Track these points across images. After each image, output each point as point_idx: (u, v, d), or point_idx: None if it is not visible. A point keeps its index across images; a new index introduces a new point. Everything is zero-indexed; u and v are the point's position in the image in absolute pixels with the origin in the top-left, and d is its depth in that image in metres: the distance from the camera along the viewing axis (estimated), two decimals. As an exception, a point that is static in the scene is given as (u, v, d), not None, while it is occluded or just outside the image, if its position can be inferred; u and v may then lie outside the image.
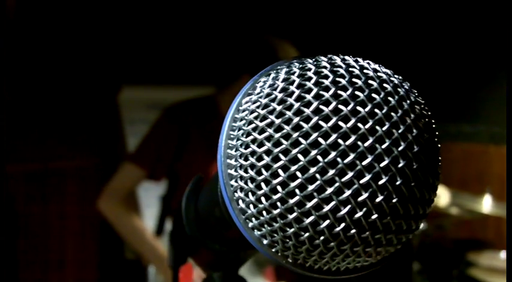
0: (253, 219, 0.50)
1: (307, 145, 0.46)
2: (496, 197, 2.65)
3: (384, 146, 0.46)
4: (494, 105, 3.41)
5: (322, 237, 0.47)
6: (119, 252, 3.06)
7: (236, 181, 0.50)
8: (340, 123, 0.46)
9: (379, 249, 0.49)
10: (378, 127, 0.46)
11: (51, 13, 2.97)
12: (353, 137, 0.46)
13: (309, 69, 0.50)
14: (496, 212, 2.61)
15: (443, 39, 3.71)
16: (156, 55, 3.20)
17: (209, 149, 2.13)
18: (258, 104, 0.50)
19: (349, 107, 0.46)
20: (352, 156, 0.46)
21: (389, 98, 0.48)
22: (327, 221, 0.46)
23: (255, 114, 0.50)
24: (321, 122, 0.46)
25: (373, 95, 0.48)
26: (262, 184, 0.48)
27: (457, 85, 3.75)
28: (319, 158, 0.46)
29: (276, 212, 0.48)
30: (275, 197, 0.47)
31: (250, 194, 0.49)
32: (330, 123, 0.46)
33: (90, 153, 3.14)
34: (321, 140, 0.46)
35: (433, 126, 0.51)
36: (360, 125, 0.46)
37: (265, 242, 0.51)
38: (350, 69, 0.50)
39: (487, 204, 2.63)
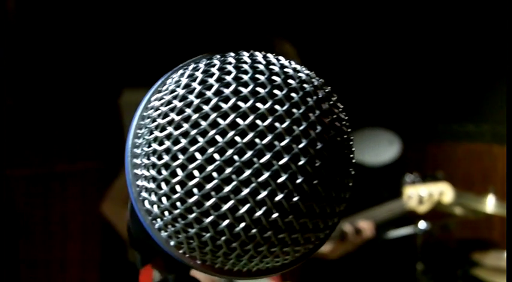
0: (158, 219, 0.49)
1: (204, 144, 0.46)
2: (500, 197, 2.63)
3: (283, 143, 0.45)
4: (498, 105, 3.39)
5: (223, 238, 0.47)
6: (121, 255, 3.05)
7: (141, 181, 0.50)
8: (239, 120, 0.46)
9: (286, 249, 0.49)
10: (277, 124, 0.46)
11: (52, 16, 2.98)
12: (251, 135, 0.45)
13: (214, 65, 0.50)
14: (500, 212, 2.59)
15: (449, 39, 3.70)
16: (157, 58, 3.19)
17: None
18: (162, 101, 0.50)
19: (248, 104, 0.46)
20: (249, 154, 0.45)
21: (293, 94, 0.47)
22: (227, 221, 0.46)
23: (158, 111, 0.49)
24: (219, 119, 0.46)
25: (275, 91, 0.47)
26: (163, 183, 0.47)
27: (461, 85, 3.74)
28: (216, 156, 0.45)
29: (176, 212, 0.47)
30: (174, 196, 0.47)
31: (153, 193, 0.48)
32: (228, 121, 0.46)
33: (92, 157, 3.14)
34: (218, 137, 0.45)
35: (344, 123, 0.51)
36: (259, 121, 0.45)
37: (172, 243, 0.50)
38: (255, 65, 0.49)
39: (490, 204, 2.61)
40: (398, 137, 3.59)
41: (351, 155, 0.51)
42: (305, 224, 0.47)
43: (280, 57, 0.52)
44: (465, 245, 3.22)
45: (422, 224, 2.62)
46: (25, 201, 2.91)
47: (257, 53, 0.52)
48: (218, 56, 0.51)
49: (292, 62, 0.52)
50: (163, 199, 0.48)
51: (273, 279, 2.23)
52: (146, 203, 0.50)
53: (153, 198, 0.48)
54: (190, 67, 0.52)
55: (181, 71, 0.52)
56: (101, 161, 3.15)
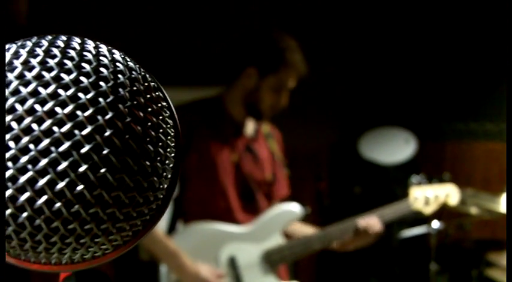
0: None
1: None
2: (517, 196, 2.59)
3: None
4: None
5: (10, 228, 0.45)
6: (133, 253, 3.07)
7: None
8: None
9: (83, 240, 0.47)
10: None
11: (63, 17, 3.00)
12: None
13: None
14: (516, 212, 2.55)
15: (466, 38, 3.67)
16: (161, 56, 3.21)
17: (217, 148, 2.13)
18: None
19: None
20: (26, 139, 0.44)
21: (101, 83, 0.46)
22: (9, 210, 0.45)
23: None
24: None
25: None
26: None
27: (480, 83, 3.70)
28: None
29: None
30: None
31: None
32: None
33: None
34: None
35: (162, 120, 0.50)
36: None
37: None
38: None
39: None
40: (415, 136, 3.57)
41: (160, 143, 0.50)
42: (96, 214, 0.46)
43: (102, 46, 0.51)
44: (480, 245, 3.19)
45: (436, 224, 2.59)
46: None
47: (77, 39, 0.51)
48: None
49: (115, 52, 0.51)
50: None
51: (281, 278, 2.23)
52: None
53: None
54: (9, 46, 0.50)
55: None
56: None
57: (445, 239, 2.72)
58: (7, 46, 0.49)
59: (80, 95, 0.45)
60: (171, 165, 0.52)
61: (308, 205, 2.33)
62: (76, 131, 0.44)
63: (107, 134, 0.45)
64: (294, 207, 2.23)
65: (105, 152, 0.45)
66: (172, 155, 0.52)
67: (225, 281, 2.11)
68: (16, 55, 0.47)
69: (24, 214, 0.45)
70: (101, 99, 0.46)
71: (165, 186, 0.51)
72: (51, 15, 2.95)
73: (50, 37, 0.50)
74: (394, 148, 3.56)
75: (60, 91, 0.45)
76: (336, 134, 3.84)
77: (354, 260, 2.28)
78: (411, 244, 3.28)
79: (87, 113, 0.45)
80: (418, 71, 3.86)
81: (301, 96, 2.58)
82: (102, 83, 0.47)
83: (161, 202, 0.51)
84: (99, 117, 0.45)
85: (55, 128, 0.44)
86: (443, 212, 2.71)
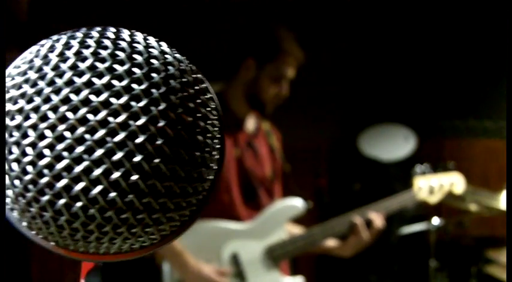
0: (8, 199, 0.48)
1: (37, 120, 0.45)
2: (516, 194, 2.60)
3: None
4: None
5: (63, 217, 0.45)
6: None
7: None
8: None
9: (134, 230, 0.47)
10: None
11: (65, 14, 3.00)
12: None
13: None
14: (516, 209, 2.55)
15: (465, 35, 3.66)
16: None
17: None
18: (9, 78, 0.48)
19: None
20: (83, 129, 0.44)
21: (153, 74, 0.47)
22: (63, 200, 0.45)
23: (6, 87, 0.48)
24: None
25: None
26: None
27: (480, 81, 3.70)
28: (49, 132, 0.44)
29: (17, 190, 0.46)
30: (12, 174, 0.46)
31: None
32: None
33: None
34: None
35: (209, 111, 0.50)
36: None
37: (24, 223, 0.49)
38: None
39: (505, 201, 2.58)
40: (415, 133, 3.57)
41: (208, 135, 0.50)
42: (149, 204, 0.46)
43: (150, 38, 0.51)
44: (480, 242, 3.19)
45: (436, 221, 2.59)
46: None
47: (126, 30, 0.51)
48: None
49: (163, 44, 0.51)
50: (6, 177, 0.47)
51: (283, 273, 2.23)
52: None
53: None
54: (42, 41, 0.50)
55: (34, 47, 0.51)
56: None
57: (444, 236, 2.72)
58: (55, 37, 0.49)
59: (134, 85, 0.45)
60: (216, 157, 0.52)
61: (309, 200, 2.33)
62: (131, 122, 0.45)
63: (160, 124, 0.45)
64: (296, 202, 2.23)
65: (158, 142, 0.45)
66: (218, 146, 0.52)
67: (228, 278, 2.11)
68: (67, 46, 0.47)
69: (79, 204, 0.45)
70: (153, 90, 0.46)
71: (211, 177, 0.51)
72: (52, 12, 2.95)
73: (99, 28, 0.49)
74: (393, 145, 3.56)
75: (114, 82, 0.45)
76: (336, 130, 3.84)
77: (353, 257, 2.27)
78: (410, 241, 3.28)
79: (141, 104, 0.45)
80: (418, 69, 3.86)
81: (302, 93, 2.58)
82: (154, 74, 0.47)
83: (207, 193, 0.51)
84: (153, 108, 0.45)
85: (110, 119, 0.44)
86: (443, 209, 2.72)
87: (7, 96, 0.47)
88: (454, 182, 2.35)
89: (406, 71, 3.84)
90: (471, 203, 2.67)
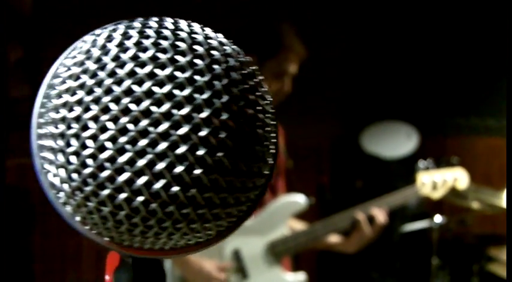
0: (61, 193, 0.46)
1: (98, 111, 0.43)
2: (518, 192, 2.60)
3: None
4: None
5: (123, 212, 0.44)
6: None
7: (44, 152, 0.47)
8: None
9: (194, 226, 0.46)
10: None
11: (69, 8, 3.00)
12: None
13: (115, 30, 0.47)
14: (518, 207, 2.55)
15: (469, 33, 3.66)
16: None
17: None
18: (64, 68, 0.47)
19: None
20: (145, 123, 0.43)
21: (215, 66, 0.45)
22: (124, 194, 0.43)
23: (60, 79, 0.46)
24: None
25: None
26: (60, 154, 0.45)
27: (482, 78, 3.70)
28: (110, 125, 0.43)
29: (74, 184, 0.44)
30: (71, 167, 0.44)
31: (53, 165, 0.46)
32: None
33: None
34: (112, 105, 0.43)
35: (267, 103, 0.49)
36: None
37: (77, 218, 0.47)
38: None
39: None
40: (417, 131, 3.57)
41: (267, 128, 0.49)
42: (210, 199, 0.45)
43: (207, 28, 0.50)
44: (482, 240, 3.19)
45: (438, 218, 2.59)
46: (40, 190, 2.94)
47: (181, 21, 0.49)
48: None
49: (219, 35, 0.50)
50: (61, 171, 0.45)
51: (285, 269, 2.23)
52: (49, 175, 0.47)
53: (54, 170, 0.46)
54: (97, 31, 0.49)
55: (87, 37, 0.49)
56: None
57: (446, 233, 2.72)
58: (110, 27, 0.48)
59: (197, 77, 0.44)
60: (272, 151, 0.50)
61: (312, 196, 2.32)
62: (194, 114, 0.43)
63: (223, 117, 0.45)
64: (299, 198, 2.22)
65: (221, 135, 0.44)
66: (274, 140, 0.51)
67: (230, 274, 2.11)
68: (126, 36, 0.46)
69: (140, 198, 0.44)
70: (216, 82, 0.45)
71: (267, 172, 0.50)
72: (56, 6, 2.94)
73: (156, 19, 0.48)
74: (396, 142, 3.56)
75: (177, 73, 0.44)
76: (338, 128, 3.84)
77: (355, 254, 2.27)
78: (413, 238, 3.28)
79: (204, 96, 0.44)
80: (421, 66, 3.85)
81: (304, 90, 2.57)
82: (215, 66, 0.46)
83: (262, 188, 0.50)
84: (216, 101, 0.44)
85: (174, 111, 0.43)
86: (445, 206, 2.71)
87: (63, 87, 0.45)
88: (457, 177, 2.33)
89: (409, 69, 3.84)
90: (473, 201, 2.66)
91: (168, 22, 0.48)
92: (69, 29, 3.01)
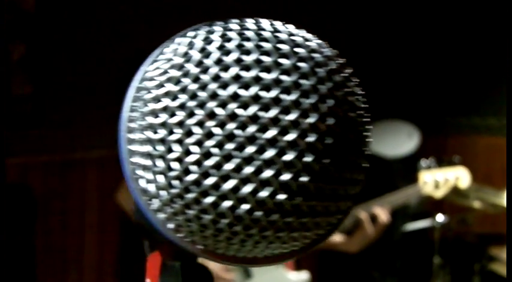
0: (155, 200, 0.45)
1: (204, 117, 0.42)
2: (520, 191, 2.60)
3: (290, 118, 0.42)
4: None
5: (225, 220, 0.43)
6: (138, 244, 3.07)
7: (136, 157, 0.45)
8: (240, 91, 0.41)
9: (294, 234, 0.45)
10: (284, 96, 0.42)
11: (71, 3, 2.99)
12: (255, 107, 0.41)
13: (214, 32, 0.45)
14: (520, 206, 2.56)
15: (469, 31, 3.66)
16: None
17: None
18: (158, 71, 0.45)
19: (252, 73, 0.42)
20: (253, 129, 0.41)
21: (301, 64, 0.43)
22: (229, 202, 0.42)
23: (154, 82, 0.45)
24: (219, 90, 0.42)
25: (282, 59, 0.43)
26: (159, 160, 0.43)
27: (483, 78, 3.70)
28: (217, 130, 0.41)
29: (174, 191, 0.43)
30: (171, 174, 0.42)
31: (148, 171, 0.44)
32: (229, 91, 0.42)
33: (111, 145, 3.15)
34: (219, 110, 0.41)
35: (358, 98, 0.47)
36: (263, 93, 0.41)
37: (170, 225, 0.46)
38: (259, 32, 0.45)
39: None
40: (418, 130, 3.57)
41: (366, 133, 0.47)
42: (314, 207, 0.43)
43: (289, 25, 0.48)
44: (483, 239, 3.19)
45: (440, 218, 2.59)
46: (42, 188, 2.94)
47: (262, 20, 0.47)
48: (220, 23, 0.47)
49: (302, 31, 0.48)
50: (160, 177, 0.43)
51: (287, 268, 2.23)
52: (142, 181, 0.45)
53: (149, 176, 0.44)
54: (189, 34, 0.47)
55: (179, 39, 0.47)
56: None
57: (447, 232, 2.72)
58: (206, 28, 0.46)
59: (302, 81, 0.42)
60: (368, 153, 0.49)
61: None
62: (301, 120, 0.42)
63: (329, 122, 0.43)
64: None
65: (328, 141, 0.42)
66: (370, 141, 0.49)
67: (234, 273, 2.11)
68: (225, 38, 0.44)
69: (245, 206, 0.42)
70: (321, 86, 0.43)
71: (363, 178, 0.48)
72: (58, 3, 2.94)
73: (253, 20, 0.47)
74: (397, 142, 3.55)
75: (283, 77, 0.42)
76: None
77: (356, 253, 2.27)
78: (414, 238, 3.28)
79: (311, 100, 0.42)
80: (422, 65, 3.85)
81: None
82: (319, 69, 0.44)
83: (358, 196, 0.49)
84: (321, 105, 0.42)
85: (281, 116, 0.41)
86: (446, 206, 2.72)
87: (160, 91, 0.44)
88: (459, 176, 2.34)
89: (410, 68, 3.84)
90: (475, 200, 2.67)
91: (267, 23, 0.46)
92: (72, 27, 3.01)
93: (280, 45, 0.43)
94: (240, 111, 0.41)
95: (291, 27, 0.47)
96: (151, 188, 0.44)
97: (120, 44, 3.14)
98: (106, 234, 3.16)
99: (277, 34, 0.45)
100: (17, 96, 2.80)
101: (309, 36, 0.47)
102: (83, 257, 3.11)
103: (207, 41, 0.44)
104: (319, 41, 0.48)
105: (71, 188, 3.06)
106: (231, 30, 0.45)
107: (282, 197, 0.42)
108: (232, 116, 0.41)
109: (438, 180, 2.29)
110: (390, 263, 3.54)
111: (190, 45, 0.45)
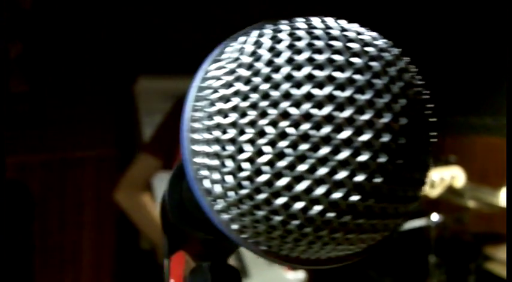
0: (220, 200, 0.44)
1: (276, 116, 0.40)
2: (516, 191, 2.61)
3: (365, 117, 0.41)
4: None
5: (296, 222, 0.41)
6: (135, 243, 3.08)
7: (201, 158, 0.44)
8: (314, 90, 0.40)
9: (363, 236, 0.44)
10: (358, 95, 0.41)
11: (68, 2, 3.00)
12: (329, 108, 0.40)
13: (281, 31, 0.44)
14: (515, 206, 2.56)
15: (467, 32, 3.67)
16: (173, 45, 3.20)
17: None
18: (224, 70, 0.44)
19: (325, 72, 0.41)
20: (327, 130, 0.40)
21: (373, 63, 0.42)
22: (301, 203, 0.41)
23: (221, 81, 0.44)
24: (292, 90, 0.41)
25: (353, 58, 0.42)
26: (228, 160, 0.42)
27: (481, 77, 3.70)
28: (291, 130, 0.40)
29: (243, 192, 0.42)
30: (242, 175, 0.41)
31: (215, 172, 0.43)
32: (302, 91, 0.40)
33: (109, 144, 3.16)
34: (292, 109, 0.40)
35: (425, 96, 0.46)
36: (337, 93, 0.40)
37: (234, 226, 0.45)
38: (328, 31, 0.44)
39: (505, 198, 2.59)
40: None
41: (432, 133, 0.46)
42: (385, 209, 0.43)
43: (354, 24, 0.47)
44: (479, 239, 3.20)
45: (435, 217, 2.60)
46: (40, 187, 2.95)
47: (328, 18, 0.46)
48: (285, 21, 0.46)
49: (368, 30, 0.47)
50: (228, 178, 0.42)
51: (285, 268, 2.24)
52: (206, 182, 0.44)
53: (216, 176, 0.43)
54: (253, 33, 0.46)
55: (242, 38, 0.46)
56: (118, 148, 3.17)
57: (443, 231, 2.73)
58: (273, 27, 0.45)
59: (375, 80, 0.42)
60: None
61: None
62: (376, 120, 0.41)
63: (402, 122, 0.42)
64: None
65: (401, 141, 0.41)
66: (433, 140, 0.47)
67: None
68: (275, 40, 0.43)
69: (318, 208, 0.41)
70: (393, 86, 0.42)
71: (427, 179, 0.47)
72: (55, 1, 2.95)
73: (323, 19, 0.46)
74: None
75: (357, 76, 0.41)
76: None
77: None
78: (410, 237, 3.29)
79: (385, 100, 0.41)
80: (419, 65, 3.85)
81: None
82: (390, 68, 0.43)
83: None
84: (394, 105, 0.41)
85: (356, 116, 0.40)
86: (442, 205, 2.72)
87: (230, 90, 0.43)
88: (455, 175, 2.35)
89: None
90: (470, 199, 2.68)
91: (333, 22, 0.45)
92: (70, 25, 3.02)
93: (350, 44, 0.43)
94: (314, 111, 0.40)
95: (344, 23, 0.46)
96: (218, 188, 0.43)
97: (118, 43, 3.14)
98: (103, 233, 3.17)
99: (346, 33, 0.44)
100: (15, 95, 2.80)
101: (375, 34, 0.47)
102: (81, 256, 3.12)
103: (275, 39, 0.44)
104: (385, 40, 0.47)
105: (68, 187, 3.06)
106: (298, 29, 0.44)
107: (355, 198, 0.41)
108: (307, 116, 0.40)
109: (434, 179, 2.30)
110: (386, 262, 3.55)
111: (258, 45, 0.44)
